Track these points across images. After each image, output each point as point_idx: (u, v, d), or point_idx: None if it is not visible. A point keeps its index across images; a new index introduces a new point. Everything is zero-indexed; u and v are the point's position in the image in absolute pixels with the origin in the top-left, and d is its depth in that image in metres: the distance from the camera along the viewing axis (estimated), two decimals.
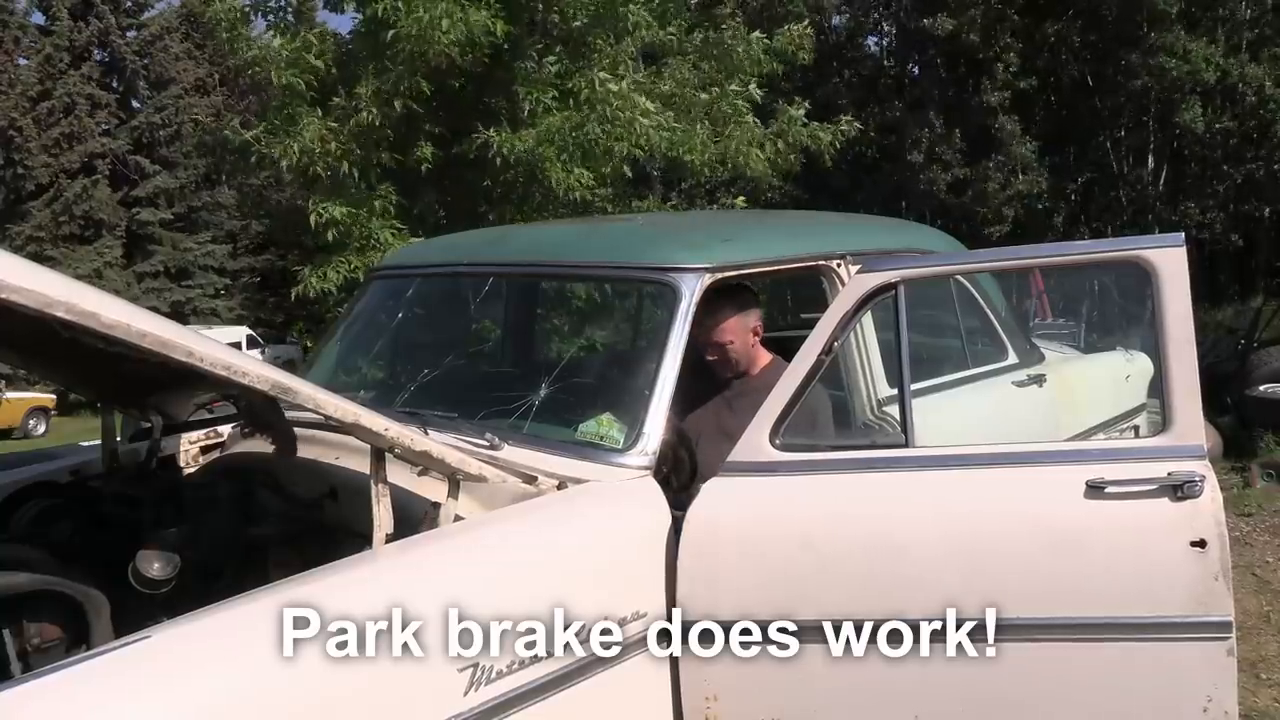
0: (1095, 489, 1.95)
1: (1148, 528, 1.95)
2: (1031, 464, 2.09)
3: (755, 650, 2.02)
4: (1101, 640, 1.95)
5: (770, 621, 2.00)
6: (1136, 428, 3.73)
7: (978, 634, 1.96)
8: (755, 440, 2.11)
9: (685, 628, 2.02)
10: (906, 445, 2.11)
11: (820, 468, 2.11)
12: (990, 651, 1.97)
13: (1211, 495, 1.93)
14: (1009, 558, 1.98)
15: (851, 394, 2.66)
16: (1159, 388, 2.05)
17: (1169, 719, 1.97)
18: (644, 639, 1.99)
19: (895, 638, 1.99)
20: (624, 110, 6.61)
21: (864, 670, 2.01)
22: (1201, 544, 1.91)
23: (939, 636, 1.97)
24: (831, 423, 2.50)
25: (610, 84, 6.67)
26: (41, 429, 18.60)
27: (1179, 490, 1.93)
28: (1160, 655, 1.94)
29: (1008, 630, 1.95)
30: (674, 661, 2.05)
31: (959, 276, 3.18)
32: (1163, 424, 2.03)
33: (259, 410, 2.15)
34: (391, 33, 6.43)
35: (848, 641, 1.99)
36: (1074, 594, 1.96)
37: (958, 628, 1.96)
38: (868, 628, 1.98)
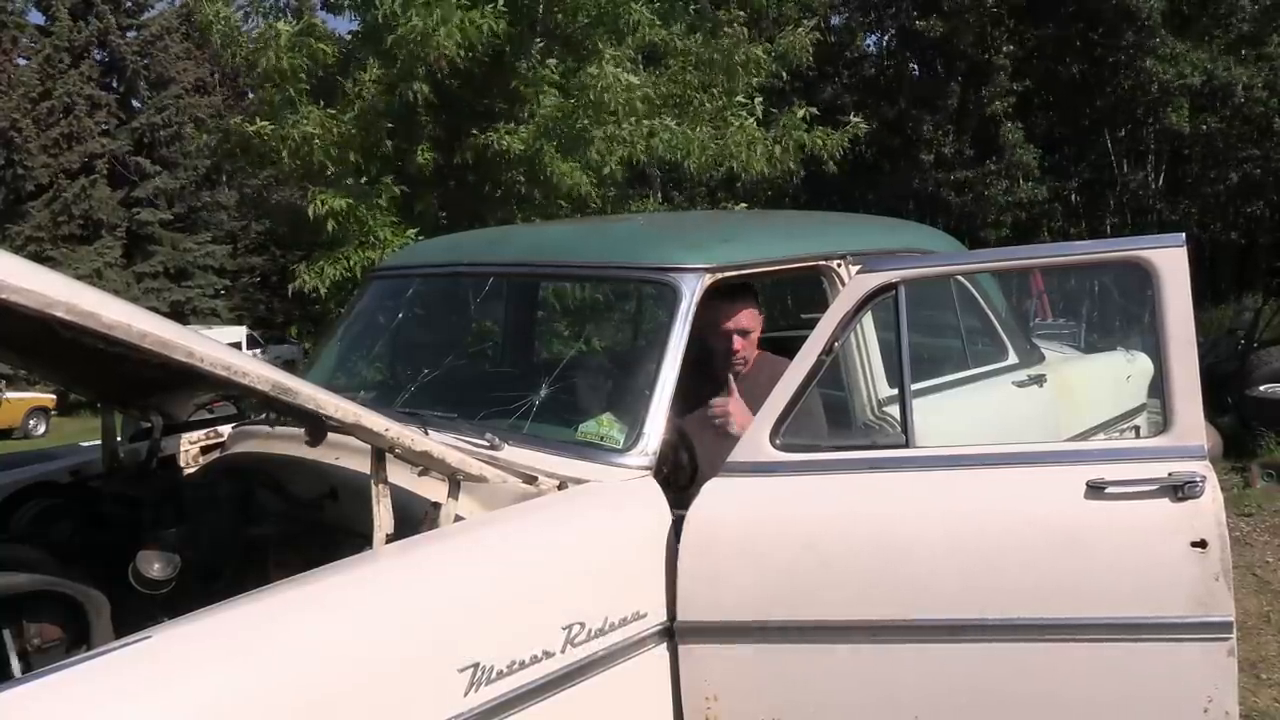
0: (1096, 489, 1.95)
1: (1148, 528, 1.95)
2: (1032, 464, 2.09)
3: (755, 650, 2.03)
4: (1102, 640, 1.96)
5: (770, 622, 2.01)
6: (1137, 428, 3.73)
7: (978, 634, 1.96)
8: (755, 440, 2.10)
9: (685, 628, 2.03)
10: (907, 445, 2.11)
11: (821, 468, 2.11)
12: (991, 651, 1.97)
13: (1212, 496, 1.93)
14: (1010, 558, 1.98)
15: (852, 394, 2.66)
16: (1159, 388, 2.04)
17: (1161, 716, 1.98)
18: (644, 639, 1.99)
19: (896, 638, 1.99)
20: (618, 96, 6.55)
21: (865, 670, 2.01)
22: (1202, 544, 1.91)
23: (939, 637, 1.97)
24: (824, 422, 2.49)
25: (605, 74, 6.62)
26: (41, 429, 18.61)
27: (1180, 491, 1.93)
28: (1161, 656, 1.95)
29: (1008, 630, 1.96)
30: (674, 662, 2.05)
31: (959, 277, 3.18)
32: (1163, 424, 2.03)
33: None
34: (393, 37, 6.42)
35: (848, 642, 2.00)
36: (1075, 594, 1.96)
37: (958, 628, 1.97)
38: (869, 628, 1.99)
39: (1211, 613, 1.91)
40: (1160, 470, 1.95)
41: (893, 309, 2.14)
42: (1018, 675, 1.98)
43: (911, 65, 20.91)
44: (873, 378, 2.68)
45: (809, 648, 2.01)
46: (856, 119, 8.45)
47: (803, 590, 2.01)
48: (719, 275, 2.46)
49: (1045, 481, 2.04)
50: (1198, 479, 1.93)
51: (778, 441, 2.10)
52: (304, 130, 6.48)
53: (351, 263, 6.84)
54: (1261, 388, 7.61)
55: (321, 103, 6.70)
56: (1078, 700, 1.98)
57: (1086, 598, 1.95)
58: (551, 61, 7.26)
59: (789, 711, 2.04)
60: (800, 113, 8.12)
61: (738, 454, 2.11)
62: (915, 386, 2.26)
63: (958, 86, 18.78)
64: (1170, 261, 2.03)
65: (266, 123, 6.73)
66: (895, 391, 2.40)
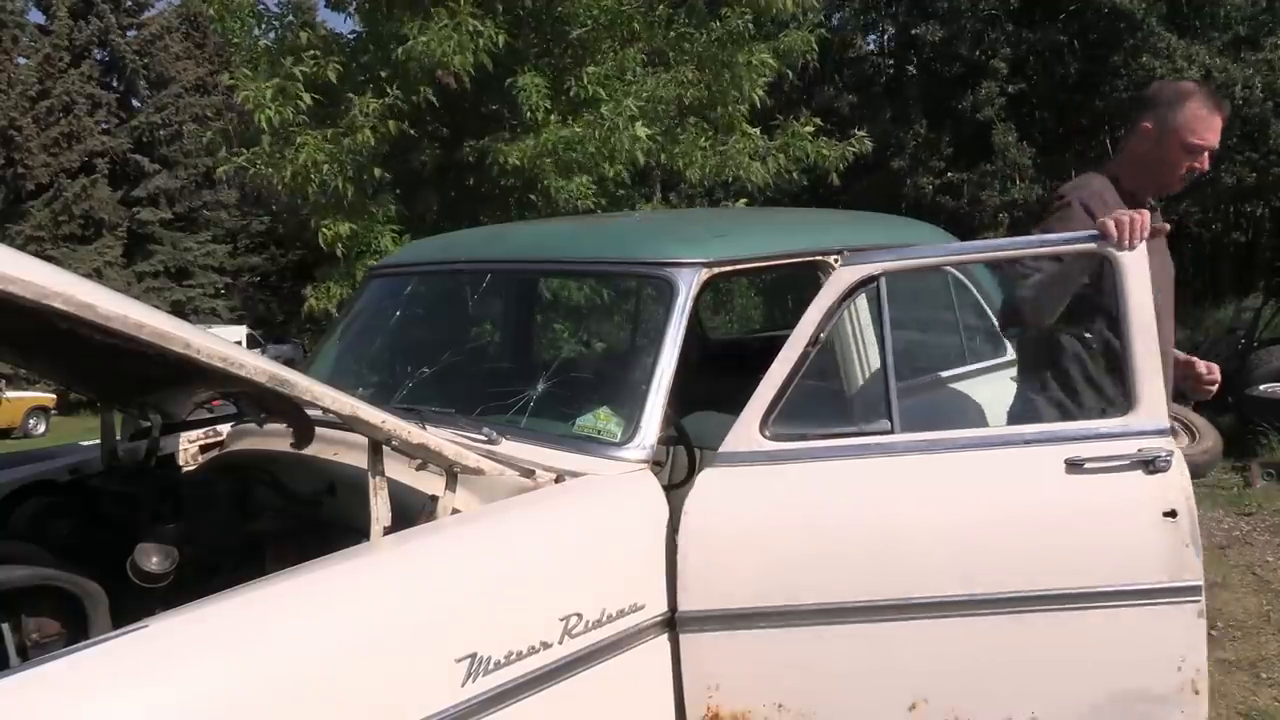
0: (1075, 465, 2.06)
1: (1124, 500, 2.06)
2: (1012, 445, 2.15)
3: (756, 637, 2.05)
4: (1086, 608, 2.04)
5: (769, 608, 2.04)
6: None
7: (971, 609, 2.03)
8: (746, 430, 2.14)
9: (686, 618, 2.04)
10: (892, 431, 2.16)
11: (810, 455, 2.15)
12: (983, 625, 2.04)
13: (1179, 469, 2.05)
14: (999, 533, 2.05)
15: (848, 384, 2.68)
16: (1123, 371, 2.16)
17: (1147, 679, 2.08)
18: (642, 631, 1.99)
19: (891, 617, 2.04)
20: (616, 127, 6.55)
21: (862, 650, 2.06)
22: (1173, 514, 2.03)
23: (934, 613, 2.03)
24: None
25: (603, 106, 6.62)
26: (42, 428, 18.63)
27: (1151, 465, 2.04)
28: (1138, 619, 2.05)
29: (1000, 604, 2.03)
30: (675, 652, 2.06)
31: (958, 273, 3.19)
32: (1129, 405, 2.12)
33: (272, 400, 2.13)
34: (403, 48, 6.40)
35: (845, 623, 2.04)
36: (1060, 565, 2.04)
37: (953, 604, 2.03)
38: (865, 609, 2.03)
39: (1183, 577, 2.03)
40: (1130, 447, 2.06)
41: (876, 300, 2.20)
42: (1009, 646, 2.05)
43: (908, 67, 20.89)
44: (870, 368, 2.69)
45: (807, 631, 2.05)
46: (861, 133, 8.45)
47: (799, 575, 2.05)
48: (715, 270, 2.47)
49: (1027, 461, 2.11)
50: (1166, 453, 2.04)
51: (767, 431, 2.14)
52: (295, 166, 6.48)
53: (357, 280, 6.83)
54: (1261, 387, 7.61)
55: (315, 134, 6.64)
56: (1064, 666, 2.07)
57: (1071, 568, 2.04)
58: (546, 61, 7.23)
59: (791, 696, 2.08)
60: (807, 127, 8.10)
61: (730, 444, 2.15)
62: (913, 382, 2.29)
63: (946, 86, 18.70)
64: (1129, 251, 2.15)
65: (254, 155, 6.71)
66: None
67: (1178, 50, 15.57)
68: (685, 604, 2.04)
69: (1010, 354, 3.46)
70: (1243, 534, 5.43)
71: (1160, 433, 2.08)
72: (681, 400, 2.38)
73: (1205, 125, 2.49)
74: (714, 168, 7.54)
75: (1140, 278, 2.15)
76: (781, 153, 7.94)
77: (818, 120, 8.33)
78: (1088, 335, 2.48)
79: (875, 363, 2.70)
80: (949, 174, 18.14)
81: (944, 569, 2.03)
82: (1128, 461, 2.05)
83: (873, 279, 2.19)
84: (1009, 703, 2.07)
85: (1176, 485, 2.05)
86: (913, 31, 18.60)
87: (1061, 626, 2.04)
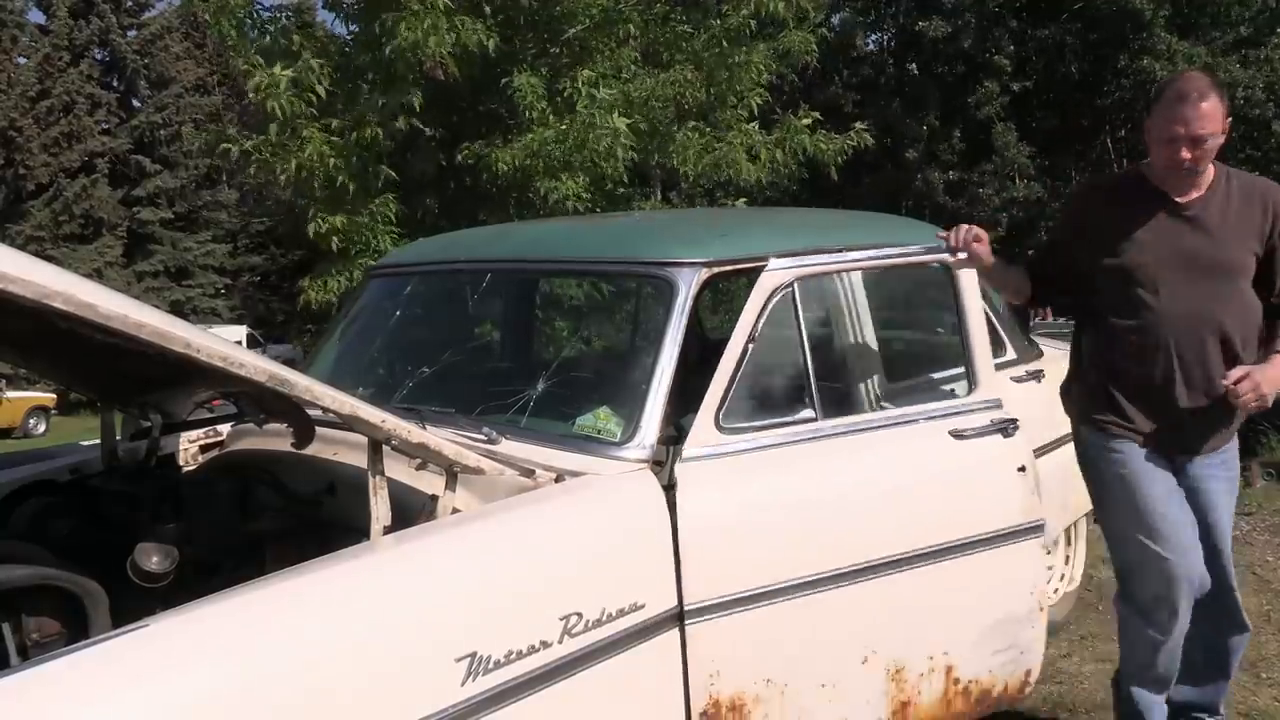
0: (958, 435, 2.56)
1: (993, 460, 2.59)
2: (908, 424, 2.55)
3: (745, 620, 2.16)
4: (977, 552, 2.49)
5: (747, 592, 2.17)
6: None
7: (898, 567, 2.37)
8: (704, 427, 2.27)
9: (690, 612, 2.08)
10: (817, 420, 2.40)
11: (755, 445, 2.31)
12: (908, 580, 2.37)
13: (1023, 433, 2.63)
14: (913, 496, 2.45)
15: (849, 382, 2.71)
16: (964, 356, 2.70)
17: (1011, 604, 2.58)
18: (642, 630, 2.00)
19: (840, 585, 2.29)
20: (593, 123, 6.52)
21: (823, 618, 2.28)
22: (1023, 469, 2.59)
23: (871, 576, 2.33)
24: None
25: (586, 99, 6.60)
26: (42, 428, 18.64)
27: (1005, 430, 2.60)
28: (1005, 556, 2.54)
29: (917, 559, 2.39)
30: (683, 648, 2.08)
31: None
32: (969, 386, 2.66)
33: (272, 400, 2.13)
34: (390, 46, 6.40)
35: (805, 596, 2.25)
36: (959, 518, 2.48)
37: (884, 565, 2.35)
38: (818, 581, 2.26)
39: (1032, 518, 2.59)
40: (984, 418, 2.60)
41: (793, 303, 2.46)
42: (926, 594, 2.43)
43: (909, 66, 20.83)
44: (868, 365, 2.71)
45: (781, 607, 2.21)
46: (862, 126, 8.43)
47: (764, 556, 2.21)
48: (715, 270, 2.47)
49: (923, 436, 2.53)
50: (1012, 421, 2.62)
51: (721, 426, 2.28)
52: (300, 159, 6.46)
53: (353, 275, 6.81)
54: None
55: (319, 125, 6.62)
56: (962, 605, 2.51)
57: (965, 520, 2.49)
58: (543, 61, 7.21)
59: (776, 669, 2.22)
60: (806, 121, 8.07)
61: (691, 441, 2.24)
62: (914, 380, 2.78)
63: (951, 83, 18.67)
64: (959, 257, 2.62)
65: (261, 144, 6.68)
66: (887, 379, 2.76)
67: (1179, 51, 15.57)
68: (689, 599, 2.08)
69: (1010, 354, 3.47)
70: (1243, 534, 5.41)
71: (997, 405, 2.63)
72: (681, 400, 2.38)
73: (1173, 114, 2.47)
74: (708, 164, 7.52)
75: (972, 284, 2.73)
76: (779, 148, 7.92)
77: (816, 114, 8.29)
78: (940, 329, 2.96)
79: (875, 360, 2.72)
80: (952, 171, 18.12)
81: (874, 534, 2.36)
82: (991, 429, 2.57)
83: (788, 285, 2.44)
84: (929, 644, 2.46)
85: (1023, 445, 2.62)
86: (917, 27, 18.52)
87: (960, 570, 2.45)
